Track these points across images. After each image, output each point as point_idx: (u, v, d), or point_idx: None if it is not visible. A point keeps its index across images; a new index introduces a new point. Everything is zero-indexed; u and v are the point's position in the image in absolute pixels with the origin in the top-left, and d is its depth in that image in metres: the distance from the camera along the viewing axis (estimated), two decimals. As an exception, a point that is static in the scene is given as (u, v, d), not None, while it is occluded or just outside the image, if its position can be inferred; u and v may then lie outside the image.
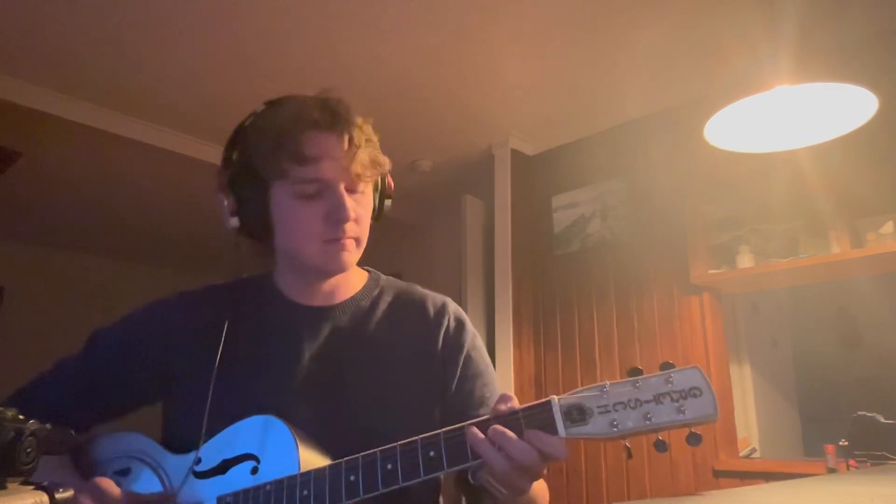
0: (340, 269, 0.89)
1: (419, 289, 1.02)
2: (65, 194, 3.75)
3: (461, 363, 0.94)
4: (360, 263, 1.02)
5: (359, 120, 0.89)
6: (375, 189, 0.95)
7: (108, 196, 3.79)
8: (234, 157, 0.89)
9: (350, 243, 0.88)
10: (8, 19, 2.22)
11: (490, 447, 0.68)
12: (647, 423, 0.65)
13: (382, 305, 0.97)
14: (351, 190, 0.87)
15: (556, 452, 0.68)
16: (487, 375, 0.96)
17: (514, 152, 3.17)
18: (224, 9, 2.20)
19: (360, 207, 0.89)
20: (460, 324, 0.98)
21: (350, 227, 0.87)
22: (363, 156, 0.87)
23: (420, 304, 0.99)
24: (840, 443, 1.84)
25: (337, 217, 0.85)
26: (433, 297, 1.00)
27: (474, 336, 0.99)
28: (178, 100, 2.79)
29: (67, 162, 3.29)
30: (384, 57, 2.50)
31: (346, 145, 0.86)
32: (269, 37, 2.36)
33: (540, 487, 0.86)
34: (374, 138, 0.91)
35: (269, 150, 0.85)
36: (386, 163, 0.93)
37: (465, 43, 2.42)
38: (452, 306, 1.00)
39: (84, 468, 0.86)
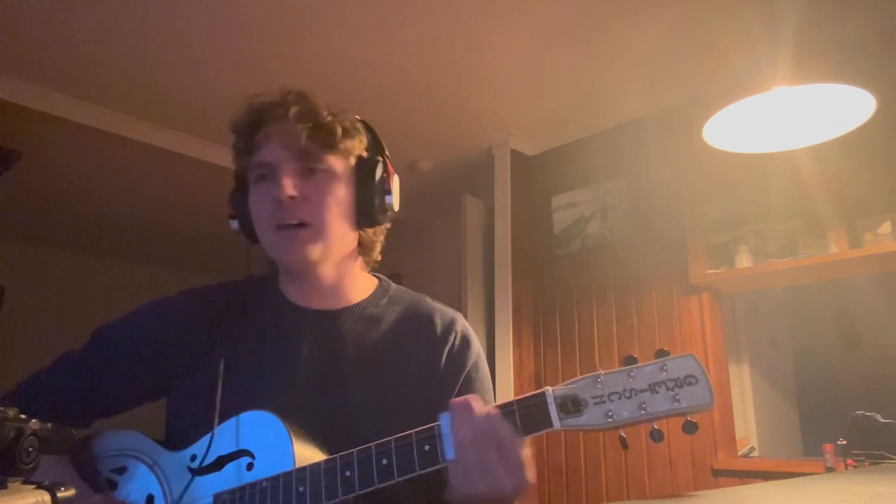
0: (298, 258, 0.87)
1: (429, 302, 1.00)
2: (65, 194, 3.75)
3: (460, 382, 0.93)
4: (370, 270, 1.02)
5: (320, 108, 0.88)
6: (363, 180, 0.91)
7: (109, 196, 3.79)
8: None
9: (306, 233, 0.85)
10: (9, 19, 2.22)
11: (459, 411, 0.69)
12: (643, 412, 0.65)
13: (390, 315, 0.96)
14: (305, 170, 0.86)
15: (511, 447, 0.67)
16: (486, 400, 0.93)
17: (514, 152, 3.18)
18: (225, 9, 2.20)
19: (316, 188, 0.86)
20: (465, 342, 0.96)
21: (295, 207, 0.84)
22: (309, 131, 0.85)
23: (428, 319, 0.96)
24: (838, 442, 1.84)
25: (276, 194, 0.84)
26: (442, 313, 0.98)
27: (478, 356, 0.97)
28: (179, 100, 2.79)
29: (68, 162, 3.29)
30: (384, 57, 2.50)
31: (290, 125, 0.85)
32: (269, 37, 2.36)
33: None
34: (336, 121, 0.88)
35: (235, 150, 0.90)
36: (352, 145, 0.89)
37: (465, 43, 2.42)
38: (461, 324, 0.98)
39: (81, 466, 0.86)
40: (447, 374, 0.93)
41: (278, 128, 0.87)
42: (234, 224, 0.93)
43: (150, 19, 2.24)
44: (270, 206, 0.85)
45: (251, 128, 0.88)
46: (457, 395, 0.91)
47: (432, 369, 0.92)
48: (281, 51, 2.44)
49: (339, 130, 0.88)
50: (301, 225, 0.85)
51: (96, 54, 2.44)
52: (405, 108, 2.89)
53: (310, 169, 0.87)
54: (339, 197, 0.88)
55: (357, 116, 0.95)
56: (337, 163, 0.89)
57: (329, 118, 0.88)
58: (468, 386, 0.93)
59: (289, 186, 0.84)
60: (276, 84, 0.92)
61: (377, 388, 0.89)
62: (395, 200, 0.94)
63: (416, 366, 0.92)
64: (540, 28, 2.33)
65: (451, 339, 0.95)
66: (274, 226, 0.85)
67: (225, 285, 1.00)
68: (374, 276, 1.02)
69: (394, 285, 1.02)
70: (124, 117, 2.88)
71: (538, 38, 2.39)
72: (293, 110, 0.86)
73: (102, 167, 3.36)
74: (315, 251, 0.86)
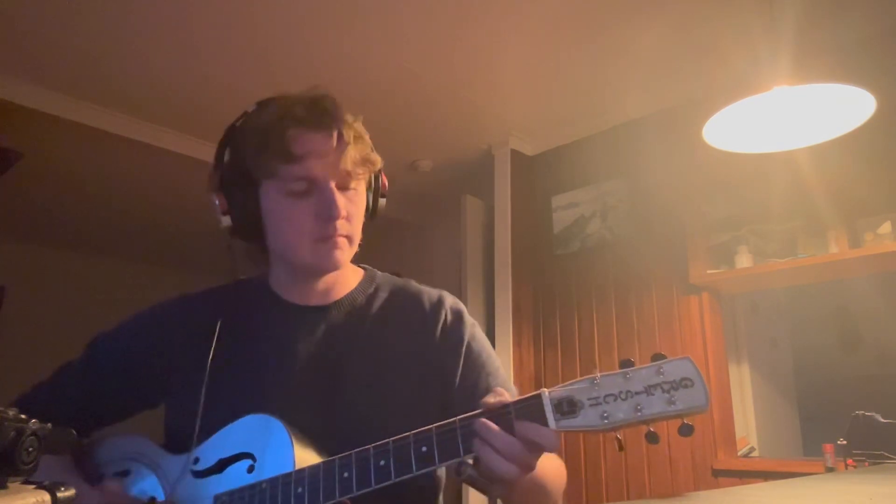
0: (333, 267, 0.89)
1: (415, 284, 1.02)
2: (65, 194, 3.76)
3: (462, 356, 0.93)
4: (359, 262, 1.02)
5: (349, 117, 0.89)
6: (369, 188, 0.94)
7: (109, 196, 3.79)
8: (226, 157, 0.91)
9: (342, 241, 0.88)
10: (9, 19, 2.22)
11: (477, 440, 0.68)
12: (638, 414, 0.65)
13: (378, 302, 0.97)
14: (342, 188, 0.87)
15: (547, 443, 0.68)
16: (491, 365, 0.95)
17: (514, 152, 3.18)
18: (226, 10, 2.20)
19: (352, 205, 0.89)
20: (458, 316, 0.97)
21: (341, 225, 0.87)
22: (353, 153, 0.86)
23: (416, 299, 0.98)
24: (838, 442, 1.84)
25: (327, 215, 0.85)
26: (429, 292, 1.00)
27: (473, 326, 0.98)
28: (178, 100, 2.79)
29: (68, 162, 3.29)
30: (384, 56, 2.50)
31: (334, 142, 0.85)
32: (268, 37, 2.37)
33: (555, 467, 0.86)
34: (366, 136, 0.91)
35: (258, 150, 0.86)
36: (377, 161, 0.92)
37: (465, 43, 2.42)
38: (449, 299, 1.00)
39: (84, 470, 0.87)
40: (446, 349, 0.94)
41: (320, 140, 0.85)
42: (227, 220, 0.90)
43: (151, 19, 2.24)
44: (313, 221, 0.86)
45: (281, 127, 0.85)
46: (462, 369, 0.93)
47: (427, 347, 0.93)
48: (282, 51, 2.44)
49: (370, 148, 0.91)
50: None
51: (96, 54, 2.44)
52: (405, 108, 2.89)
53: (347, 187, 0.89)
54: (364, 208, 0.93)
55: (350, 116, 0.94)
56: (365, 178, 0.93)
57: (365, 137, 0.90)
58: (471, 357, 0.94)
59: (342, 206, 0.86)
60: (283, 85, 0.91)
61: (374, 374, 0.90)
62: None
63: (409, 346, 0.93)
64: (540, 28, 2.33)
65: (442, 315, 0.96)
66: (314, 239, 0.87)
67: (219, 288, 1.00)
68: (358, 266, 1.02)
69: (378, 273, 1.03)
70: (124, 117, 2.89)
71: (538, 38, 2.39)
72: (339, 128, 0.86)
73: (102, 167, 3.36)
74: (346, 258, 0.90)
